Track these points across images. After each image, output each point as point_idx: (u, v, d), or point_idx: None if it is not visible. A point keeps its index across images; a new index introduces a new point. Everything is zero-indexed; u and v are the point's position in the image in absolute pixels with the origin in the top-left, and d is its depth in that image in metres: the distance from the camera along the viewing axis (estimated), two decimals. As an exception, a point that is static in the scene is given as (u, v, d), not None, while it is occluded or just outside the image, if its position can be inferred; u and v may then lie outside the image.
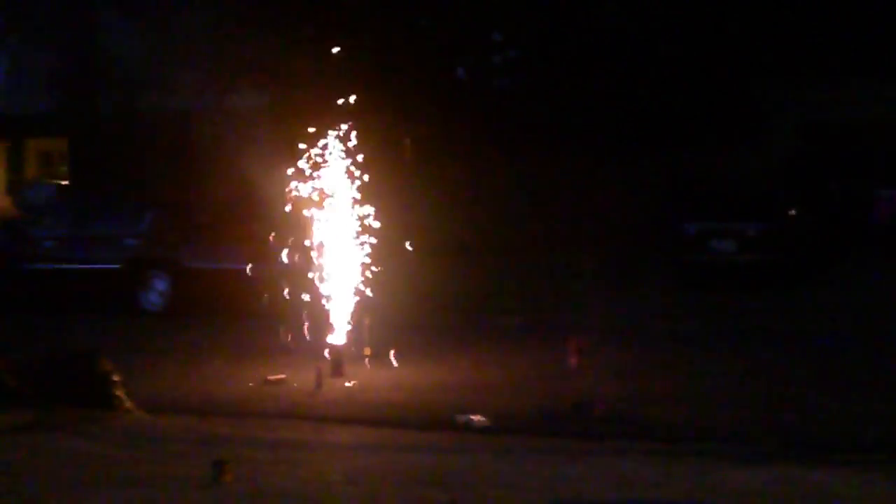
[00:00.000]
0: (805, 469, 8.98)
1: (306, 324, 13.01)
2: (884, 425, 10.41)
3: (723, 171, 23.74)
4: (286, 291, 13.15)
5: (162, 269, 18.73)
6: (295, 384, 12.42)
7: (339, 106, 13.23)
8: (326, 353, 12.89)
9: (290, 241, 13.22)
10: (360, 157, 13.24)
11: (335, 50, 13.85)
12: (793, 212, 21.66)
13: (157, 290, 18.75)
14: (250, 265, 15.44)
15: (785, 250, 20.76)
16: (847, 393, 11.88)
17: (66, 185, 30.02)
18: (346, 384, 12.49)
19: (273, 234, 13.40)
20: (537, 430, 10.50)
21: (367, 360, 13.18)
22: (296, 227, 13.20)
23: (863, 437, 9.98)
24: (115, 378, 11.23)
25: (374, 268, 13.27)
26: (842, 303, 18.52)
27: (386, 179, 14.87)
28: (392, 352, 13.16)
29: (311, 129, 13.07)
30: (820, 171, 24.05)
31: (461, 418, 10.70)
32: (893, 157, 24.73)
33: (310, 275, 13.19)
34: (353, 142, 13.20)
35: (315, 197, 13.18)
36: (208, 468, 8.52)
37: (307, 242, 13.19)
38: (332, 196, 13.22)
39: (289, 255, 13.24)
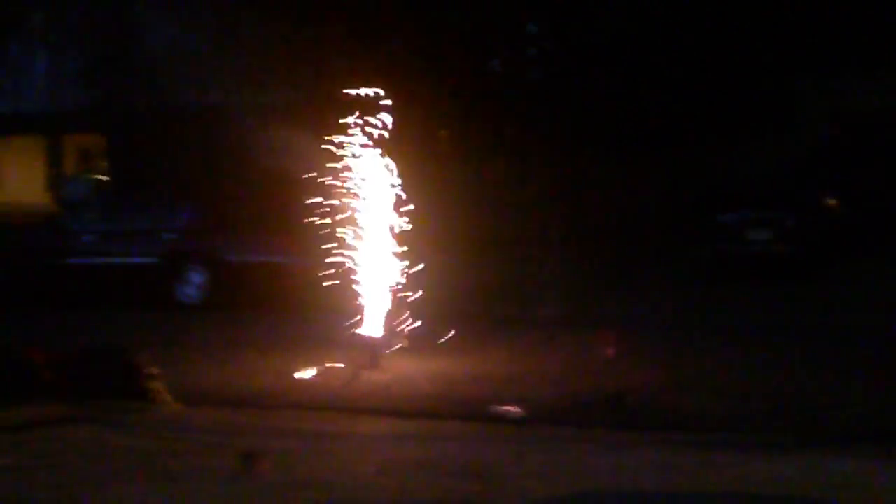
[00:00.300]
0: (837, 459, 8.94)
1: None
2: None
3: (757, 162, 23.61)
4: (324, 284, 13.17)
5: (199, 262, 18.83)
6: (330, 376, 12.43)
7: (373, 99, 13.21)
8: (362, 344, 12.92)
9: (327, 233, 13.24)
10: (394, 149, 13.23)
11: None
12: (830, 201, 21.52)
13: (195, 284, 18.85)
14: (295, 258, 15.41)
15: (821, 240, 20.63)
16: (879, 384, 11.78)
17: (104, 180, 30.23)
18: (382, 376, 12.51)
19: (312, 228, 13.40)
20: (572, 420, 10.49)
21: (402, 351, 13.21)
22: (333, 220, 13.21)
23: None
24: (151, 371, 11.31)
25: (409, 261, 13.26)
26: (877, 293, 18.37)
27: (422, 172, 14.87)
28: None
29: (343, 121, 13.05)
30: (856, 161, 23.83)
31: (496, 409, 10.70)
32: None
33: (347, 267, 13.19)
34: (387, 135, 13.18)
35: (353, 189, 13.18)
36: (239, 460, 8.56)
37: (344, 235, 13.19)
38: (368, 189, 13.21)
39: (326, 249, 13.26)
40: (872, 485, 8.23)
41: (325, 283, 13.08)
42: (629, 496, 7.98)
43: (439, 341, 13.35)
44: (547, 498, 7.87)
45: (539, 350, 14.20)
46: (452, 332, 13.41)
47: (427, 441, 9.87)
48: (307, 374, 12.50)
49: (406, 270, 13.10)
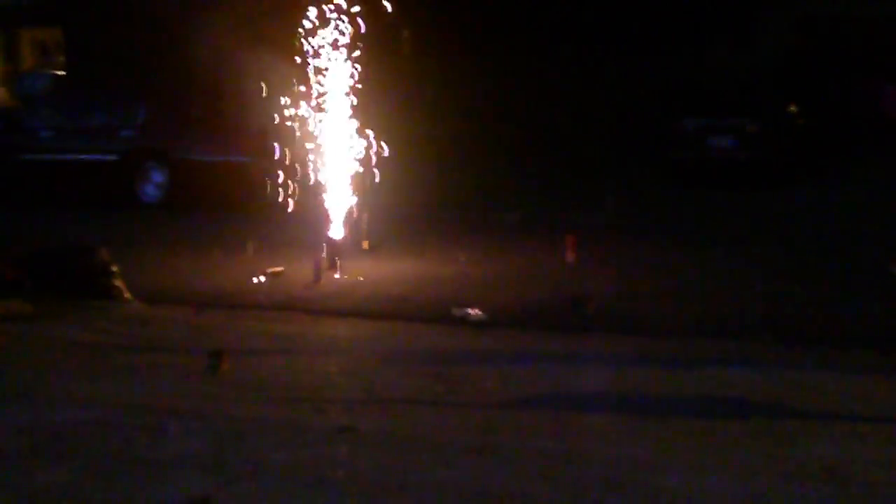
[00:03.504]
0: (799, 364, 9.07)
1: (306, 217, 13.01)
2: (877, 323, 10.45)
3: (718, 67, 23.52)
4: (284, 185, 13.11)
5: (159, 160, 18.67)
6: (293, 277, 12.45)
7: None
8: (325, 246, 12.92)
9: (288, 134, 13.15)
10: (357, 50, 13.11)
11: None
12: (792, 108, 21.54)
13: (155, 182, 18.72)
14: (256, 158, 15.33)
15: (784, 147, 20.68)
16: (840, 291, 11.92)
17: (62, 75, 29.79)
18: (344, 277, 12.53)
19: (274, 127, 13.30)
20: (534, 324, 10.57)
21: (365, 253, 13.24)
22: (294, 120, 13.12)
23: (856, 335, 10.05)
24: (114, 269, 11.30)
25: (373, 163, 13.21)
26: (840, 200, 18.51)
27: (384, 73, 14.75)
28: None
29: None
30: (819, 67, 23.77)
31: (459, 311, 10.77)
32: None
33: (308, 168, 13.14)
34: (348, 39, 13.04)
35: (314, 88, 13.06)
36: (205, 358, 8.59)
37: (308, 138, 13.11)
38: (328, 91, 13.10)
39: (286, 149, 13.17)
40: (831, 389, 8.35)
41: (286, 184, 13.03)
42: (588, 398, 8.07)
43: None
44: (508, 399, 7.95)
45: (502, 254, 14.25)
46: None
47: (390, 342, 9.94)
48: (271, 273, 12.48)
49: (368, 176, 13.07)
